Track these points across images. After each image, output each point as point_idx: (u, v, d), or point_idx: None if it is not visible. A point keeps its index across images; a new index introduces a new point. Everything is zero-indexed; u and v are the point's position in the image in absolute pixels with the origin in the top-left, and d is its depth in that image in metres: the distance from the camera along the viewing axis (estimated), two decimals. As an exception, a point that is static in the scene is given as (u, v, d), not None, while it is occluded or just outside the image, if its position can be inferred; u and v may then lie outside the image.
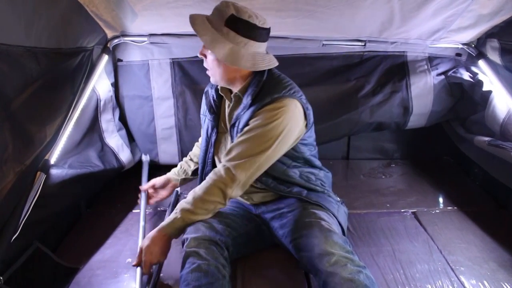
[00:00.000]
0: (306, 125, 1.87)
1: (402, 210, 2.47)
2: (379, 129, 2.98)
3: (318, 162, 2.06)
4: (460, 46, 2.63)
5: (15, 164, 1.54)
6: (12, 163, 1.52)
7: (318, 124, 2.73)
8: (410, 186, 2.82)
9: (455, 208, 2.50)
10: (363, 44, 2.62)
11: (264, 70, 1.80)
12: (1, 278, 1.52)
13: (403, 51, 2.77)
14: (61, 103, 1.93)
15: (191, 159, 2.32)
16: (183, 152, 2.80)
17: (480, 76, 2.53)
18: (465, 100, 2.79)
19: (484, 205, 2.56)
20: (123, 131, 2.72)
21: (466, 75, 2.64)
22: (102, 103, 2.47)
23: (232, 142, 1.86)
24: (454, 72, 2.73)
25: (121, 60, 2.68)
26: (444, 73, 2.78)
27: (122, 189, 2.68)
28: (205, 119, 2.05)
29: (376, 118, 2.84)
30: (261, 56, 1.76)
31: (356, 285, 1.43)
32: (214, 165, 1.99)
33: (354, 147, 3.28)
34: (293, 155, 1.90)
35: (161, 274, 1.84)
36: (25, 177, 1.63)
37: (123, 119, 2.79)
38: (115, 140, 2.59)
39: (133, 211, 2.42)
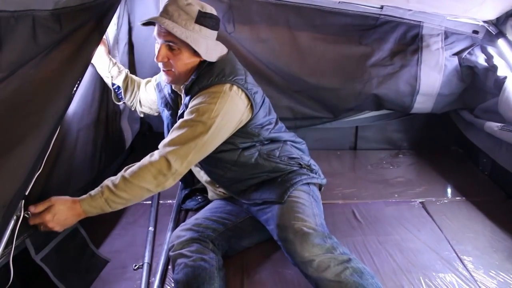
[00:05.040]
0: (253, 108, 1.78)
1: (410, 200, 2.46)
2: (382, 107, 2.92)
3: (283, 136, 1.99)
4: (480, 23, 2.56)
5: None
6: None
7: (319, 87, 2.77)
8: (418, 176, 2.81)
9: (463, 198, 2.49)
10: (380, 6, 2.59)
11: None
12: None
13: (420, 21, 2.68)
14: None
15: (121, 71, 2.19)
16: None
17: (496, 60, 2.47)
18: (474, 89, 2.75)
19: (493, 195, 2.55)
20: None
21: (481, 58, 2.57)
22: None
23: None
24: (469, 54, 2.65)
25: None
26: (458, 53, 2.71)
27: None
28: (164, 114, 2.03)
29: (381, 91, 2.76)
30: (215, 44, 1.79)
31: (344, 284, 1.44)
32: None
33: (362, 137, 3.27)
34: (252, 138, 1.85)
35: (169, 267, 1.86)
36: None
37: (130, 50, 2.72)
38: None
39: (142, 202, 2.41)
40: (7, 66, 1.20)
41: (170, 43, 1.66)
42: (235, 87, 1.69)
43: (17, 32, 1.22)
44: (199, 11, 1.64)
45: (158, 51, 1.69)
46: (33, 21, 1.28)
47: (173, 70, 1.73)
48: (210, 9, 1.70)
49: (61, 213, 1.48)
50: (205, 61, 1.73)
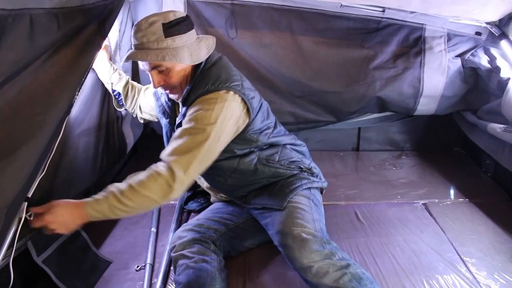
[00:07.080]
0: (250, 113, 1.75)
1: (413, 202, 2.46)
2: (386, 109, 2.91)
3: (282, 140, 1.95)
4: (483, 24, 2.55)
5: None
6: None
7: (322, 91, 2.77)
8: (421, 178, 2.81)
9: (466, 199, 2.48)
10: (382, 10, 2.59)
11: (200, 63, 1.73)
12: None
13: (422, 24, 2.69)
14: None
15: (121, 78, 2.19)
16: None
17: (499, 61, 2.47)
18: (478, 90, 2.75)
19: (496, 196, 2.54)
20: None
21: (484, 59, 2.58)
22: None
23: None
24: (472, 55, 2.66)
25: None
26: (461, 55, 2.71)
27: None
28: (162, 121, 2.00)
29: (384, 94, 2.75)
30: (197, 42, 1.72)
31: None
32: None
33: (365, 138, 3.27)
34: (250, 144, 1.82)
35: (171, 267, 1.85)
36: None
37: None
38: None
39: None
40: (7, 65, 1.20)
41: (157, 68, 1.66)
42: (231, 92, 1.67)
43: (15, 31, 1.21)
44: (163, 25, 1.58)
45: (152, 79, 1.69)
46: (31, 20, 1.28)
47: (174, 86, 1.73)
48: (174, 15, 1.62)
49: (63, 215, 1.45)
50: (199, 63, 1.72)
